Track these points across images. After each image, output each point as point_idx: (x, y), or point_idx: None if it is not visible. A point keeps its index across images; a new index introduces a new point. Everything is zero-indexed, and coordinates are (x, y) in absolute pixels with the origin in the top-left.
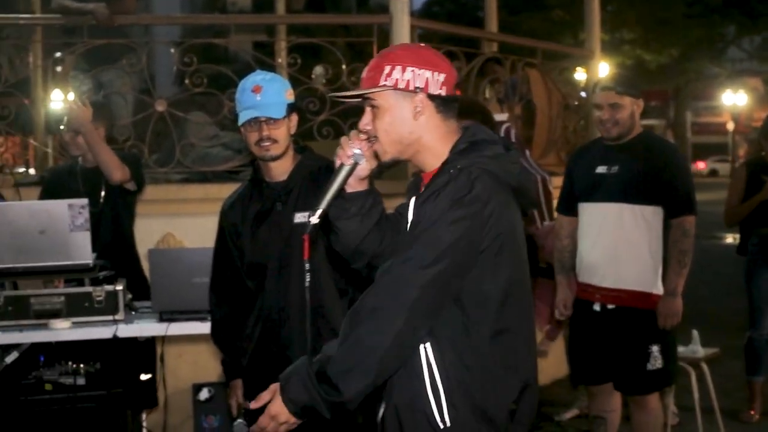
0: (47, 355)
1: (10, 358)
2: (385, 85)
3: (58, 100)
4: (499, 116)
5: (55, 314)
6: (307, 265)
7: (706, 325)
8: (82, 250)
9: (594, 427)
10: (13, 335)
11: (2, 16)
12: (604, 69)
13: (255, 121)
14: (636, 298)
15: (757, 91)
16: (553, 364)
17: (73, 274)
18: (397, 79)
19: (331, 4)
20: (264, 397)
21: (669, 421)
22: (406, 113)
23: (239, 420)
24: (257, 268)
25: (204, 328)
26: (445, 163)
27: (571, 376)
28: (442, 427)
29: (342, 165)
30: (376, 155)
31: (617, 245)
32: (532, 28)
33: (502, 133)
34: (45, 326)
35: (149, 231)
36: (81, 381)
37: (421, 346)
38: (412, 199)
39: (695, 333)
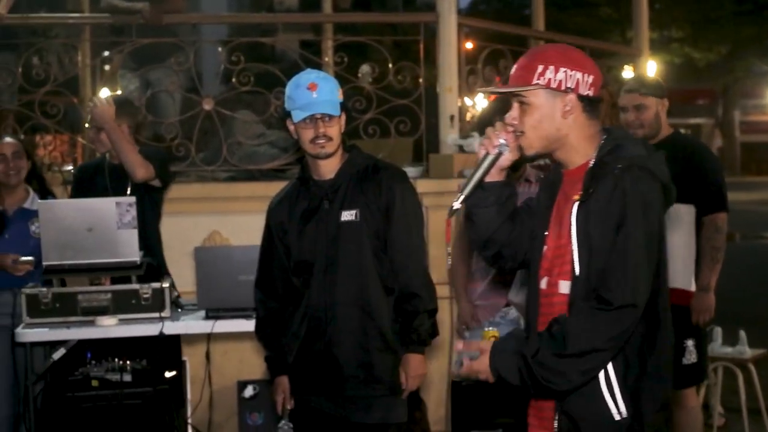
0: (94, 351)
1: (57, 355)
2: (537, 84)
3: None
4: None
5: (102, 311)
6: (448, 249)
7: (753, 325)
8: (129, 248)
9: None
10: (60, 332)
11: (51, 15)
12: (652, 67)
13: (311, 119)
14: (672, 294)
15: None
16: None
17: (121, 271)
18: (549, 79)
19: (377, 2)
20: (475, 346)
21: (715, 422)
22: (556, 112)
23: (284, 421)
24: (304, 265)
25: (249, 325)
26: (599, 162)
27: None
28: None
29: (487, 154)
30: (518, 148)
31: None
32: (579, 26)
33: None
34: (92, 323)
35: (196, 229)
36: (127, 378)
37: None
38: (575, 204)
39: (742, 333)
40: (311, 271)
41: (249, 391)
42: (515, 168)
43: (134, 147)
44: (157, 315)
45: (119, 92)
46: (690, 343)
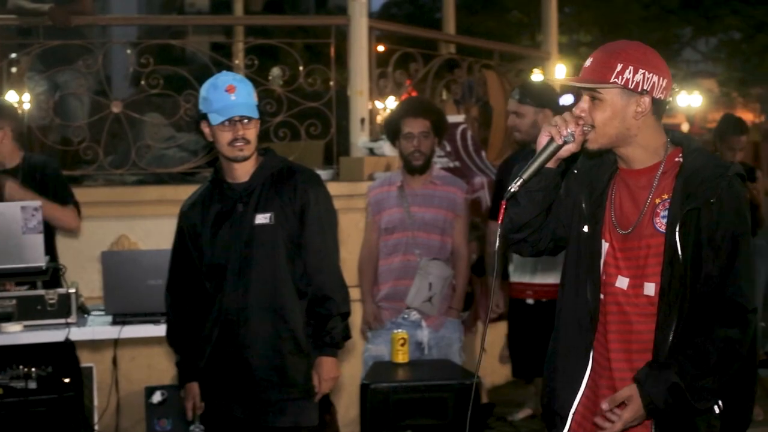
0: None
1: None
2: (615, 83)
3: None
4: (456, 117)
5: (7, 318)
6: (499, 230)
7: None
8: (34, 253)
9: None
10: None
11: None
12: (561, 71)
13: (230, 122)
14: None
15: (712, 93)
16: (508, 364)
17: (26, 277)
18: (627, 79)
19: (289, 5)
20: (619, 397)
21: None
22: (628, 111)
23: (195, 425)
24: (217, 269)
25: (158, 330)
26: (692, 166)
27: (513, 368)
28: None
29: (551, 141)
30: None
31: None
32: (490, 30)
33: (458, 135)
34: None
35: (103, 233)
36: (32, 385)
37: None
38: (684, 208)
39: None
40: (224, 275)
41: (157, 397)
42: None
43: (52, 204)
44: (63, 321)
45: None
46: None
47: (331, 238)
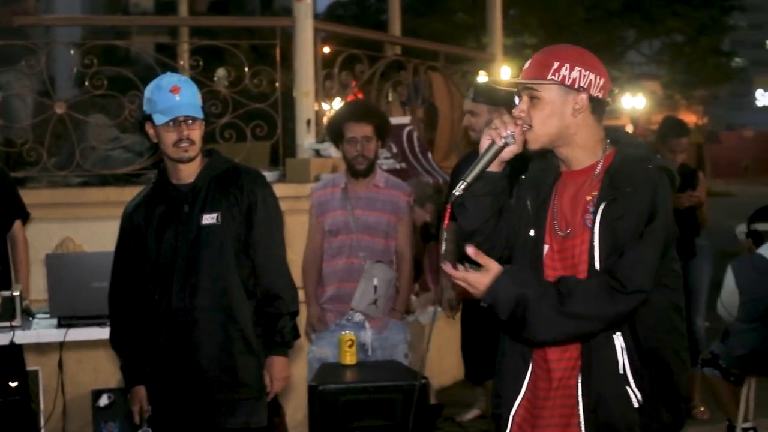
0: None
1: None
2: (552, 80)
3: None
4: (402, 119)
5: None
6: (445, 234)
7: None
8: None
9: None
10: None
11: None
12: (506, 72)
13: (174, 122)
14: None
15: (656, 95)
16: (454, 364)
17: None
18: (564, 76)
19: (234, 6)
20: (484, 260)
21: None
22: (566, 109)
23: (144, 428)
24: (163, 270)
25: (103, 333)
26: (619, 163)
27: (466, 371)
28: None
29: (493, 144)
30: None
31: None
32: (435, 32)
33: (404, 136)
34: None
35: (47, 235)
36: None
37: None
38: (600, 202)
39: None
40: (171, 276)
41: (104, 400)
42: None
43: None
44: (7, 324)
45: None
46: None
47: (279, 237)
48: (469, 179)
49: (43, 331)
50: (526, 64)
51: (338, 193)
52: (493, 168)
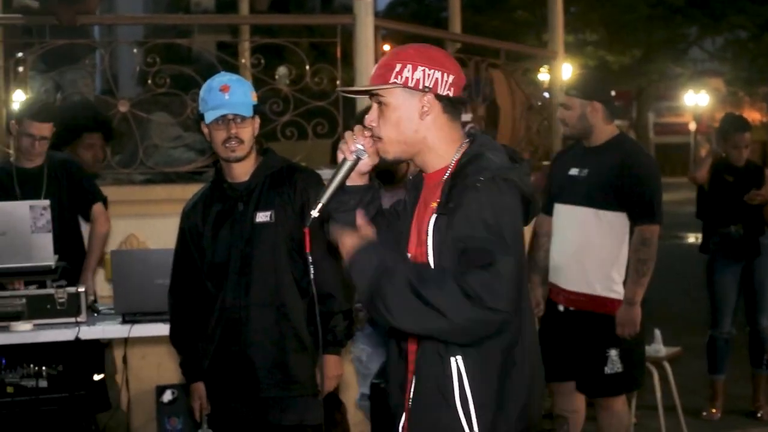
0: (9, 357)
1: None
2: (395, 83)
3: (20, 101)
4: (463, 117)
5: (17, 316)
6: (309, 258)
7: (668, 324)
8: (43, 252)
9: (557, 427)
10: None
11: None
12: (567, 70)
13: (223, 120)
14: (594, 302)
15: (719, 92)
16: None
17: (35, 276)
18: (407, 78)
19: (294, 4)
20: (361, 223)
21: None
22: (413, 112)
23: (203, 427)
24: (218, 268)
25: (167, 329)
26: (460, 171)
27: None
28: None
29: (344, 160)
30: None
31: (580, 248)
32: (495, 29)
33: None
34: (6, 328)
35: (112, 232)
36: (43, 384)
37: (452, 359)
38: (433, 214)
39: (657, 332)
40: (226, 274)
41: (168, 396)
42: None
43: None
44: (73, 320)
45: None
46: (613, 352)
47: None
48: (323, 199)
49: (107, 326)
50: (373, 70)
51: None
52: (356, 181)
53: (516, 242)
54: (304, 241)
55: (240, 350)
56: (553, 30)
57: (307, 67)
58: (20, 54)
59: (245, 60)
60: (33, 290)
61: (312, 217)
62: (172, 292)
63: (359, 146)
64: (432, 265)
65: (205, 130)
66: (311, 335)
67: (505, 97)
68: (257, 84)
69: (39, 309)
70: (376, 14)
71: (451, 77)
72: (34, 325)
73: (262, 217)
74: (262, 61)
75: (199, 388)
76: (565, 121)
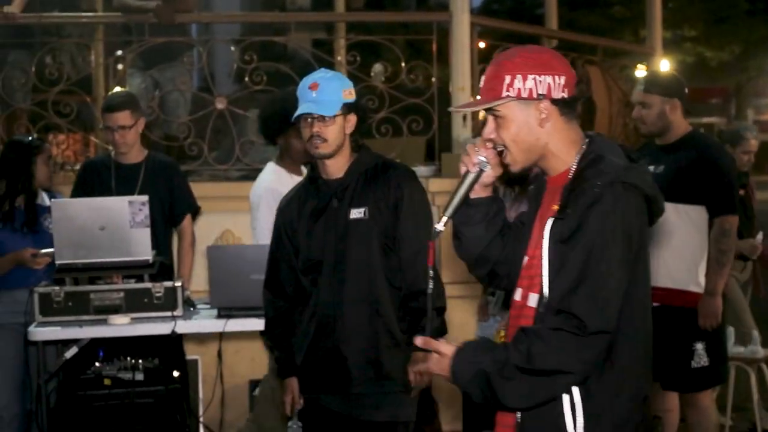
0: (107, 350)
1: (69, 353)
2: (508, 96)
3: None
4: None
5: (115, 310)
6: (431, 272)
7: (767, 325)
8: (142, 247)
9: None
10: (73, 330)
11: (65, 14)
12: (665, 66)
13: (308, 118)
14: (675, 296)
15: None
16: None
17: (134, 270)
18: (519, 89)
19: (390, 1)
20: (435, 345)
21: (728, 422)
22: (532, 121)
23: (293, 420)
24: (313, 264)
25: (261, 324)
26: (579, 176)
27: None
28: None
29: (467, 172)
30: (502, 163)
31: (660, 243)
32: (592, 25)
33: None
34: (104, 322)
35: (208, 228)
36: (139, 376)
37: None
38: (550, 220)
39: (755, 333)
40: (320, 270)
41: None
42: (520, 182)
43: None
44: (169, 314)
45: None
46: (699, 346)
47: (425, 232)
48: (448, 213)
49: (203, 321)
50: (481, 82)
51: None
52: (480, 194)
53: (631, 246)
54: (428, 254)
55: (333, 346)
56: (651, 26)
57: (403, 64)
58: (119, 52)
59: (341, 57)
60: (131, 284)
61: (437, 231)
62: (267, 287)
63: (482, 158)
64: (546, 270)
65: (299, 127)
66: (404, 332)
67: (602, 93)
68: (353, 81)
69: (136, 303)
70: (472, 11)
71: (563, 78)
72: (132, 318)
73: (356, 213)
74: (358, 58)
75: (293, 382)
76: (643, 119)
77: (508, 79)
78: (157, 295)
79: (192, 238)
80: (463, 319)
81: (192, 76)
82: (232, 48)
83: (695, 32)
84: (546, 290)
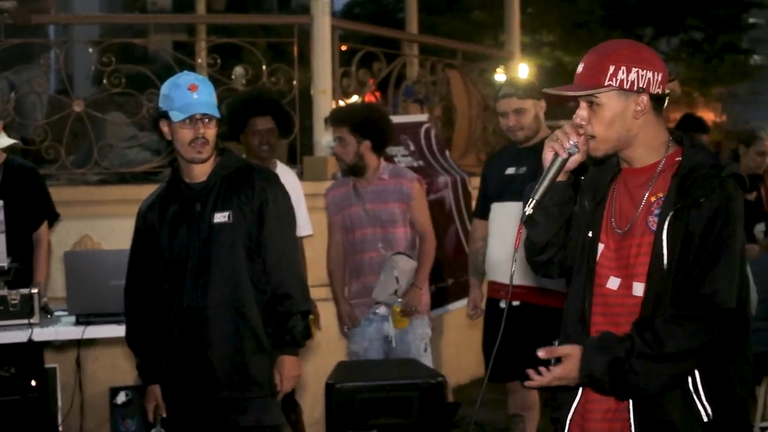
0: None
1: None
2: (610, 85)
3: None
4: (419, 117)
5: None
6: (515, 256)
7: None
8: None
9: (512, 426)
10: None
11: None
12: (524, 70)
13: (191, 119)
14: (536, 294)
15: (674, 93)
16: (472, 363)
17: None
18: (622, 80)
19: (252, 4)
20: (559, 351)
21: None
22: (627, 112)
23: (157, 428)
24: (175, 268)
25: (121, 331)
26: (689, 167)
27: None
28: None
29: (557, 156)
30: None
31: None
32: (452, 30)
33: (422, 134)
34: None
35: (66, 233)
36: None
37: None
38: (671, 206)
39: None
40: (183, 275)
41: (122, 398)
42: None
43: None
44: (26, 321)
45: None
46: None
47: (290, 236)
48: (538, 196)
49: (61, 328)
50: (579, 68)
51: (350, 190)
52: (559, 178)
53: (743, 238)
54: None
55: (198, 351)
56: (510, 31)
57: (264, 67)
58: None
59: (201, 60)
60: None
61: (526, 213)
62: (128, 293)
63: (572, 143)
64: (666, 261)
65: (165, 129)
66: (269, 336)
67: (462, 97)
68: (214, 84)
69: None
70: (333, 14)
71: (660, 75)
72: None
73: (220, 217)
74: (219, 60)
75: (155, 389)
76: (521, 125)
77: (611, 69)
78: (13, 302)
79: (47, 247)
80: (327, 322)
81: (49, 78)
82: (90, 50)
83: (553, 37)
84: (655, 279)
